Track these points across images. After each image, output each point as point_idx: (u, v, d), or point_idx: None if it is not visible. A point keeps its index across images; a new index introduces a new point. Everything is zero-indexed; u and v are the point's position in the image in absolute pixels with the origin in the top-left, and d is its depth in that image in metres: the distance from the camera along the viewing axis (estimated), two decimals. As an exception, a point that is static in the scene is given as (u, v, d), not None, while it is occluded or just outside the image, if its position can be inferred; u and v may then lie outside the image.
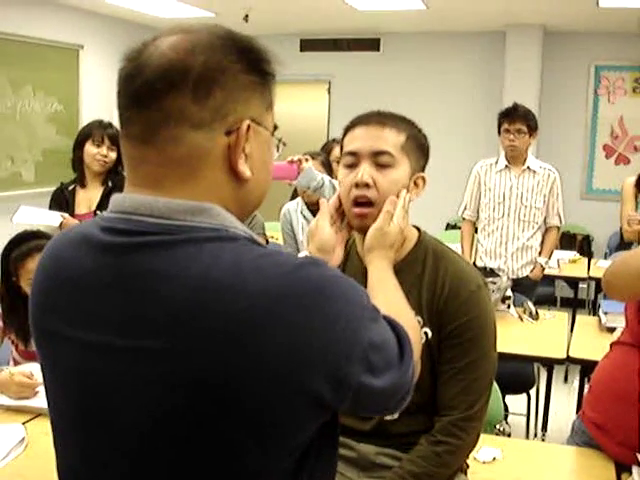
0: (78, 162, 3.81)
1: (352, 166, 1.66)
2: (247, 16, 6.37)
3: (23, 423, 2.28)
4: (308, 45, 8.08)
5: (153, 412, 0.96)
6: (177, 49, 0.99)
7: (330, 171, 3.88)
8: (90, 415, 1.02)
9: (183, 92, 0.97)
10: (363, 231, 1.64)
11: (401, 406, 1.13)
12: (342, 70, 8.00)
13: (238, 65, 1.01)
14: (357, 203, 1.63)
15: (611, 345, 2.30)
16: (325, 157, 4.03)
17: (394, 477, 1.65)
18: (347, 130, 1.71)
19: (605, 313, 3.64)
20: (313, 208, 3.96)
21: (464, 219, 4.72)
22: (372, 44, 7.86)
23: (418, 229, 1.80)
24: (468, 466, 1.87)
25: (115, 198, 1.05)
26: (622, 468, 2.07)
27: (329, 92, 8.16)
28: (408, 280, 1.68)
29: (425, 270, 1.71)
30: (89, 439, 1.04)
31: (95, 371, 1.00)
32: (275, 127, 1.13)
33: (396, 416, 1.71)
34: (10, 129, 6.14)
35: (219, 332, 0.91)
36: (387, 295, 1.35)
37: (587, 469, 2.13)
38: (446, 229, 7.01)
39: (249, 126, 1.02)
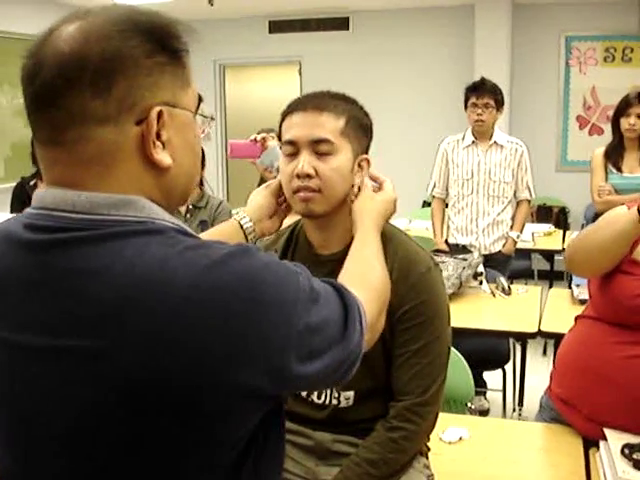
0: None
1: (292, 155, 1.62)
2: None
3: None
4: (277, 27, 8.00)
5: (85, 413, 0.92)
6: (71, 42, 0.93)
7: None
8: (21, 417, 0.99)
9: (82, 88, 0.92)
10: (309, 216, 1.61)
11: (347, 376, 1.09)
12: (312, 50, 7.95)
13: (139, 49, 0.95)
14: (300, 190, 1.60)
15: (576, 319, 2.28)
16: None
17: (350, 464, 1.63)
18: (284, 116, 1.65)
19: (577, 285, 3.63)
20: None
21: (434, 197, 4.69)
22: (341, 23, 7.81)
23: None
24: (429, 449, 1.85)
25: (37, 194, 1.01)
26: (590, 443, 2.06)
27: (300, 73, 8.11)
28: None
29: None
30: (21, 441, 1.01)
31: (23, 372, 0.96)
32: (200, 100, 1.08)
33: (351, 402, 1.69)
34: (-24, 124, 6.05)
35: (149, 330, 0.88)
36: (357, 261, 1.35)
37: (555, 445, 2.12)
38: (423, 206, 6.99)
39: (161, 111, 0.97)
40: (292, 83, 8.16)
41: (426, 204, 7.01)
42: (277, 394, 0.98)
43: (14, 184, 4.13)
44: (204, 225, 3.66)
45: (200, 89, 1.09)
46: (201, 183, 3.63)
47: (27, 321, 0.95)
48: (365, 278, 1.27)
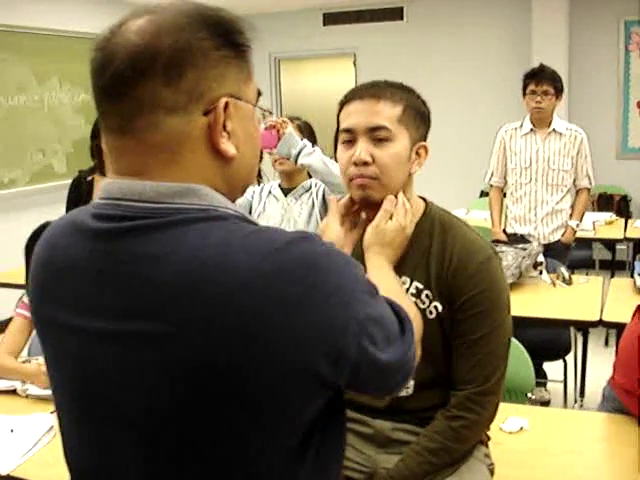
0: (97, 150, 3.80)
1: (349, 142, 1.63)
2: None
3: (51, 412, 2.32)
4: (331, 19, 8.00)
5: (154, 395, 0.96)
6: (143, 34, 0.97)
7: (314, 138, 3.44)
8: (92, 401, 1.03)
9: (154, 78, 0.96)
10: (365, 203, 1.62)
11: (402, 386, 1.12)
12: (367, 42, 7.92)
13: (208, 42, 0.99)
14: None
15: (637, 308, 2.25)
16: (304, 122, 3.49)
17: (410, 453, 1.64)
18: (342, 105, 1.67)
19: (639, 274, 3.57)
20: (285, 186, 3.35)
21: (491, 186, 4.65)
22: (395, 13, 7.76)
23: (425, 200, 1.76)
24: (489, 438, 1.84)
25: (104, 184, 1.04)
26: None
27: (355, 65, 8.09)
28: (416, 254, 1.66)
29: (433, 243, 1.68)
30: (92, 425, 1.05)
31: (94, 357, 1.00)
32: (259, 93, 1.11)
33: (411, 392, 1.69)
34: (39, 122, 6.21)
35: (212, 313, 0.91)
36: (386, 286, 1.30)
37: (617, 435, 2.09)
38: (480, 196, 6.92)
39: (227, 103, 1.00)
40: (347, 75, 8.14)
41: (484, 194, 6.94)
42: (336, 380, 0.99)
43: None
44: None
45: (256, 82, 1.11)
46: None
47: (96, 307, 0.99)
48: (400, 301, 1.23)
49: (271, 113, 1.44)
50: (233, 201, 1.06)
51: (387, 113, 1.60)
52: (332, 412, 1.06)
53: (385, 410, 1.74)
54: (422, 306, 1.64)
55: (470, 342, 1.64)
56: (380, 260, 1.46)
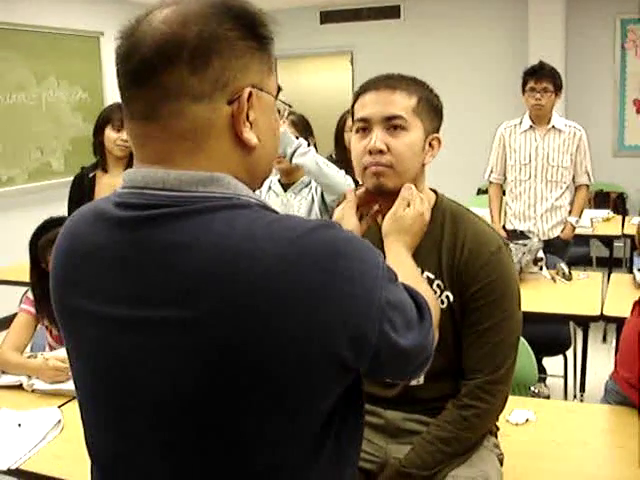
0: (99, 147, 3.81)
1: (364, 130, 1.65)
2: (264, -9, 6.31)
3: (59, 406, 2.34)
4: (328, 17, 8.01)
5: (178, 381, 0.97)
6: (170, 22, 0.98)
7: (310, 130, 3.48)
8: (117, 388, 1.04)
9: (180, 66, 0.97)
10: (379, 192, 1.63)
11: (421, 372, 1.15)
12: (364, 40, 7.93)
13: (233, 32, 1.00)
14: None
15: (635, 303, 2.27)
16: (299, 116, 3.46)
17: (422, 442, 1.66)
18: (357, 96, 1.69)
19: (639, 270, 3.59)
20: (285, 181, 3.35)
21: (491, 182, 4.67)
22: (392, 11, 7.78)
23: (435, 192, 1.78)
24: (498, 428, 1.86)
25: (127, 173, 1.06)
26: (657, 425, 2.05)
27: (352, 63, 8.10)
28: (427, 244, 1.67)
29: (444, 234, 1.69)
30: (119, 412, 1.06)
31: (117, 344, 1.01)
32: (279, 89, 1.12)
33: (421, 381, 1.70)
34: (37, 120, 6.21)
35: (237, 299, 0.92)
36: (404, 273, 1.32)
37: (621, 427, 2.12)
38: (477, 194, 6.94)
39: (251, 93, 1.02)
40: (344, 73, 8.15)
41: (481, 191, 6.96)
42: (358, 364, 1.01)
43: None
44: None
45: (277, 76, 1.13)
46: None
47: (120, 295, 1.00)
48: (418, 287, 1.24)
49: (291, 106, 1.44)
50: (253, 191, 1.08)
51: (403, 103, 1.63)
52: (350, 398, 1.08)
53: (396, 400, 1.76)
54: None
55: (481, 331, 1.65)
56: (399, 247, 1.47)
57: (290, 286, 0.93)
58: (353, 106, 1.70)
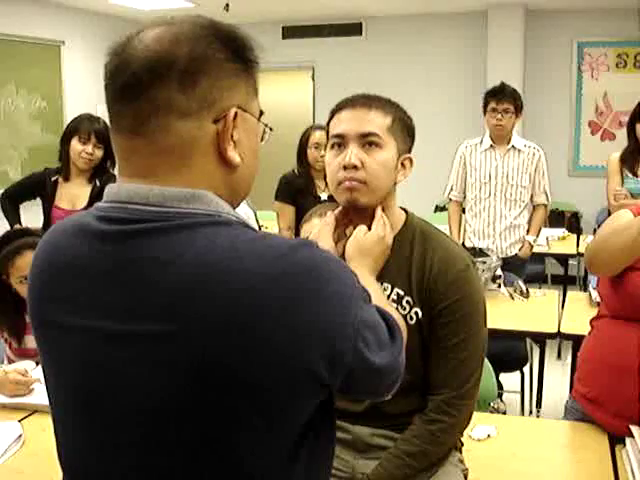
0: (65, 156, 3.80)
1: (339, 146, 1.68)
2: (227, 5, 6.33)
3: (19, 420, 2.30)
4: (290, 32, 8.07)
5: (157, 395, 0.98)
6: (161, 41, 1.01)
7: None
8: (95, 402, 1.04)
9: (170, 83, 0.99)
10: (352, 207, 1.66)
11: (391, 391, 1.17)
12: (325, 56, 8.00)
13: (222, 54, 1.03)
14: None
15: (591, 322, 2.33)
16: None
17: (389, 457, 1.67)
18: (333, 113, 1.72)
19: (594, 288, 3.66)
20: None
21: (450, 200, 4.73)
22: (354, 29, 7.86)
23: (406, 211, 1.81)
24: (462, 444, 1.89)
25: (110, 188, 1.06)
26: (616, 440, 2.10)
27: (313, 79, 8.15)
28: (397, 261, 1.70)
29: (413, 251, 1.72)
30: (95, 425, 1.06)
31: (98, 357, 1.02)
32: (261, 113, 1.14)
33: (389, 396, 1.72)
34: (-6, 128, 6.12)
35: (219, 314, 0.93)
36: (372, 295, 1.37)
37: (582, 442, 2.15)
38: (435, 211, 7.02)
39: (236, 113, 1.04)
40: (305, 89, 8.19)
41: (438, 209, 7.04)
42: (332, 381, 1.03)
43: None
44: None
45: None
46: None
47: (101, 308, 1.01)
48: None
49: (272, 130, 1.46)
50: (234, 209, 1.09)
51: (378, 122, 1.66)
52: (324, 413, 1.10)
53: (363, 415, 1.77)
54: (403, 312, 1.68)
55: (448, 347, 1.68)
56: (362, 271, 1.49)
57: (272, 302, 0.94)
58: (329, 123, 1.73)
